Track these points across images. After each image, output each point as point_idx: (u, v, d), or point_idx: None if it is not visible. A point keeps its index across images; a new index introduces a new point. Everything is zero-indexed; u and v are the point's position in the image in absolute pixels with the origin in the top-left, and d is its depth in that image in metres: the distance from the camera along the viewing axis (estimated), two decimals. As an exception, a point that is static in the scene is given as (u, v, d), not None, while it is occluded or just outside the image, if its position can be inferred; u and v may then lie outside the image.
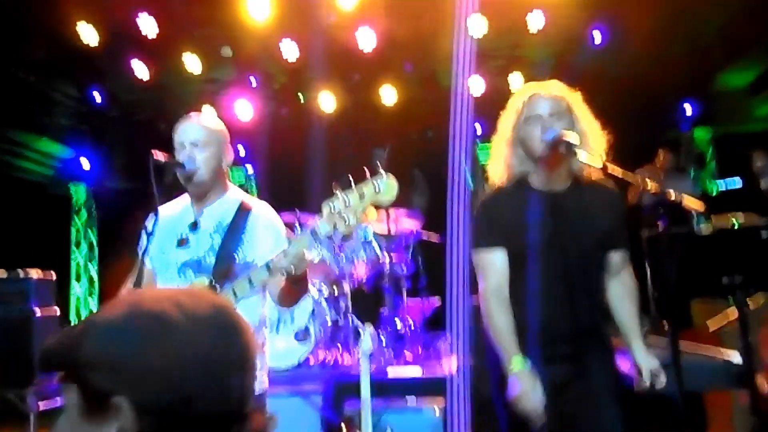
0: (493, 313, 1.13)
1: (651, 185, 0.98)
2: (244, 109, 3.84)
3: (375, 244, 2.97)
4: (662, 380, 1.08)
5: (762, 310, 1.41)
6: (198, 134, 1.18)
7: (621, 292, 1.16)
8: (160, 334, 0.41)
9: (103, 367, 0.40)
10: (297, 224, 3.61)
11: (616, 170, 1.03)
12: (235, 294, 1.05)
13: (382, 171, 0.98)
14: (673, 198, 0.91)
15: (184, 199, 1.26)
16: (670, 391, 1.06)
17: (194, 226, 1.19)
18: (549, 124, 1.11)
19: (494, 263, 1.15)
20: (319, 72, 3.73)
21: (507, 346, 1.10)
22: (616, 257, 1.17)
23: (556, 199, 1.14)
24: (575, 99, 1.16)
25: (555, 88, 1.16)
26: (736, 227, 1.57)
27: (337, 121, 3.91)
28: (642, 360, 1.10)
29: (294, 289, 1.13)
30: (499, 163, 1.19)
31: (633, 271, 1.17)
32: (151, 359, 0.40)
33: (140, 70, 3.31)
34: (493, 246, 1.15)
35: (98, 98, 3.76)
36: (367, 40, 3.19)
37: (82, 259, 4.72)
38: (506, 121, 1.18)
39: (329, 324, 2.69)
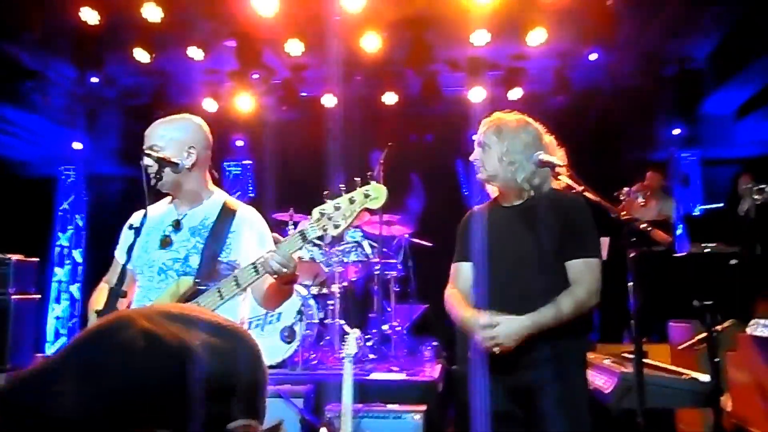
0: (449, 299, 1.30)
1: (623, 213, 1.02)
2: (245, 103, 3.83)
3: (366, 246, 2.99)
4: (493, 337, 1.12)
5: (729, 333, 1.47)
6: (195, 136, 1.20)
7: (565, 292, 1.16)
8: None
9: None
10: (290, 223, 3.57)
11: (592, 195, 1.07)
12: (221, 295, 1.05)
13: (373, 178, 1.01)
14: (641, 227, 0.95)
15: (167, 200, 1.26)
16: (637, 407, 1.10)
17: (177, 225, 1.19)
18: (475, 154, 1.25)
19: (459, 274, 1.32)
20: (322, 70, 3.74)
21: (460, 308, 1.24)
22: (572, 266, 1.17)
23: (514, 213, 1.25)
24: (508, 123, 1.24)
25: (488, 119, 1.27)
26: (708, 252, 1.63)
27: (337, 120, 3.91)
28: (505, 321, 1.13)
29: (281, 290, 1.14)
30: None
31: (614, 288, 1.21)
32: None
33: (141, 54, 3.23)
34: (460, 260, 1.32)
35: (95, 80, 3.70)
36: (370, 42, 3.20)
37: (67, 244, 4.62)
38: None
39: (316, 323, 2.70)
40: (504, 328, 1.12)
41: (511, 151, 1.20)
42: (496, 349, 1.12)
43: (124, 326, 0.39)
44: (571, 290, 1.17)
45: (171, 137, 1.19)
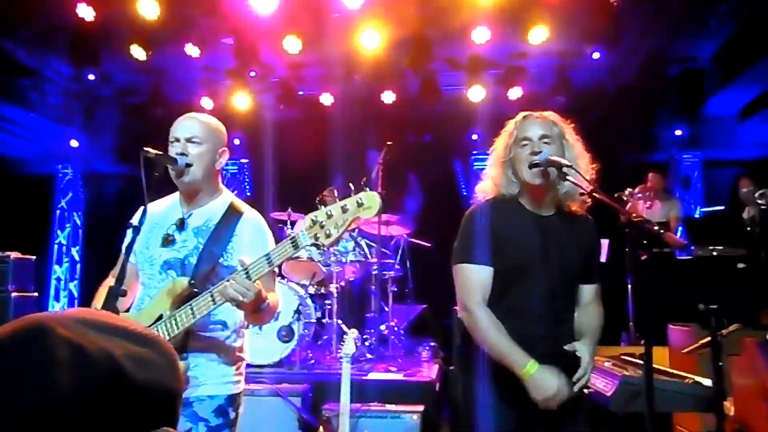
0: (486, 327, 1.10)
1: (635, 215, 0.99)
2: (242, 101, 3.80)
3: (364, 246, 2.97)
4: (587, 370, 1.08)
5: (733, 337, 1.45)
6: (194, 130, 1.16)
7: (586, 317, 1.17)
8: None
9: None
10: (288, 223, 3.53)
11: (603, 197, 1.05)
12: (213, 300, 1.02)
13: (367, 185, 0.98)
14: (654, 230, 0.93)
15: (174, 197, 1.23)
16: (641, 410, 1.07)
17: (181, 224, 1.17)
18: (538, 147, 1.13)
19: (479, 278, 1.14)
20: (320, 68, 3.71)
21: (514, 354, 1.07)
22: (589, 290, 1.19)
23: (545, 222, 1.16)
24: (567, 128, 1.19)
25: (549, 114, 1.19)
26: (714, 255, 1.61)
27: (334, 119, 3.89)
28: (582, 347, 1.11)
29: (249, 317, 1.11)
30: (488, 182, 1.22)
31: (613, 290, 1.19)
32: None
33: (137, 52, 3.20)
34: (480, 262, 1.14)
35: (92, 77, 3.67)
36: (369, 40, 3.18)
37: (65, 242, 4.61)
38: (500, 143, 1.21)
39: (314, 323, 2.68)
40: (588, 354, 1.08)
41: (581, 156, 1.15)
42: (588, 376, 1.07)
43: (40, 334, 0.35)
44: (596, 314, 1.18)
45: (212, 134, 1.17)
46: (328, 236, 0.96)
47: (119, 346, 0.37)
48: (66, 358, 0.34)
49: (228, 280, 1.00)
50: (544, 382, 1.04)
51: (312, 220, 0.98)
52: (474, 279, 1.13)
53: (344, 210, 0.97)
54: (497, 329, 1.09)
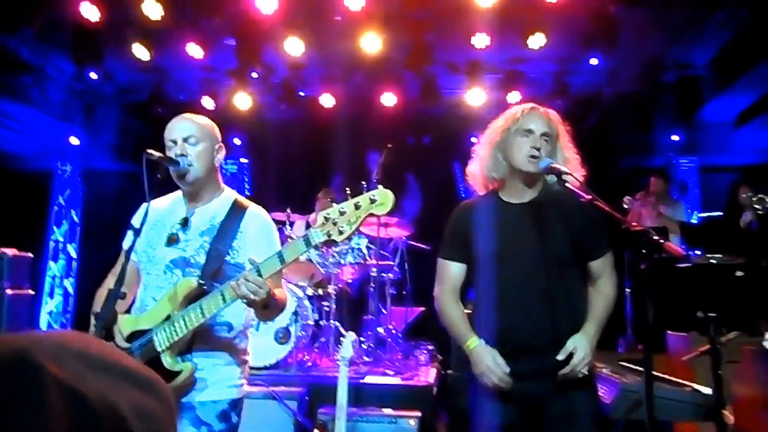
0: (447, 308, 1.21)
1: (634, 223, 1.00)
2: (243, 101, 3.81)
3: (363, 248, 2.96)
4: (577, 366, 1.08)
5: (732, 345, 1.45)
6: (190, 130, 1.16)
7: (595, 295, 1.17)
8: None
9: None
10: (287, 223, 3.53)
11: (603, 204, 1.05)
12: (224, 298, 1.02)
13: (380, 182, 0.99)
14: (655, 239, 0.93)
15: (176, 195, 1.23)
16: (642, 419, 1.07)
17: (185, 223, 1.16)
18: (537, 143, 1.15)
19: (451, 272, 1.23)
20: (321, 69, 3.72)
21: (461, 330, 1.17)
22: (595, 265, 1.18)
23: (525, 210, 1.18)
24: (563, 129, 1.21)
25: (552, 113, 1.21)
26: (713, 263, 1.61)
27: (335, 120, 3.90)
28: (578, 341, 1.09)
29: (260, 314, 1.11)
30: (475, 163, 1.24)
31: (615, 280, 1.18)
32: None
33: (140, 51, 3.21)
34: (452, 258, 1.23)
35: (94, 76, 3.67)
36: (370, 42, 3.19)
37: (62, 239, 4.57)
38: (498, 125, 1.23)
39: (311, 325, 2.66)
40: (583, 349, 1.08)
41: (572, 159, 1.18)
42: (584, 371, 1.08)
43: (27, 371, 0.28)
44: (600, 289, 1.16)
45: (207, 132, 1.18)
46: (341, 233, 0.96)
47: (123, 395, 0.31)
48: (61, 408, 0.27)
49: (239, 279, 0.99)
50: (476, 358, 1.12)
51: (325, 217, 0.98)
52: (446, 273, 1.23)
53: (357, 207, 0.97)
54: (455, 310, 1.20)
